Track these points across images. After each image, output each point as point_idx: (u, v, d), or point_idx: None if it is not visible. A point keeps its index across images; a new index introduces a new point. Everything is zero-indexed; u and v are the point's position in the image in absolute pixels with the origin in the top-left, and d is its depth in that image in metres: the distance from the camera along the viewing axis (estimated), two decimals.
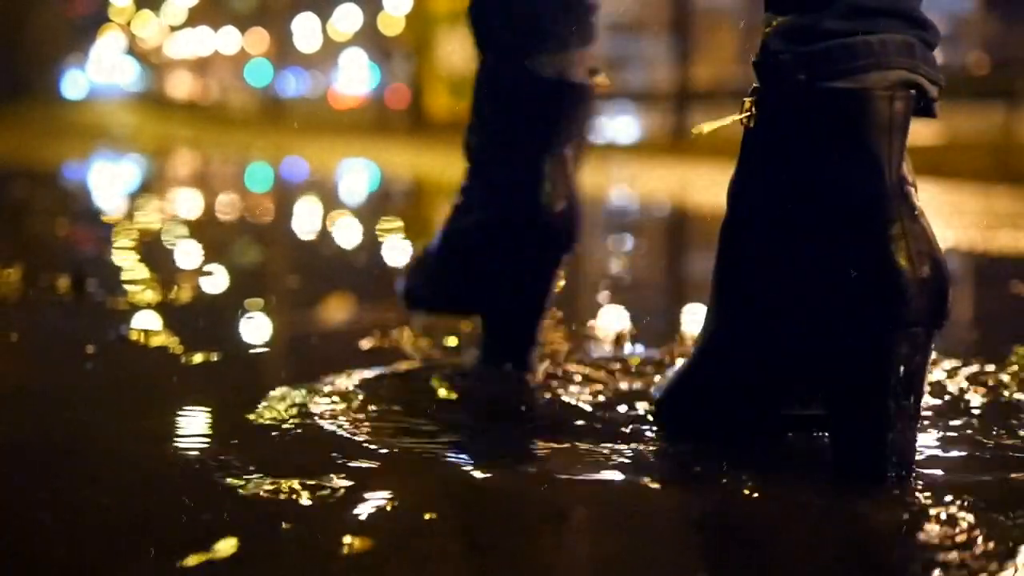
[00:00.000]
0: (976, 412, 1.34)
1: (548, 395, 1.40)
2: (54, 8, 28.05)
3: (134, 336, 1.76)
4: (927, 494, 1.05)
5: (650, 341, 1.77)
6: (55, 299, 2.13)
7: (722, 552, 0.96)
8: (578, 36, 1.48)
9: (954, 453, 1.18)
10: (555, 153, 1.47)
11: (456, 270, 1.54)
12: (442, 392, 1.44)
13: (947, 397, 1.41)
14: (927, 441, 1.21)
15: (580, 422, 1.28)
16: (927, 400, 1.33)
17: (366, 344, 1.71)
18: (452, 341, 1.73)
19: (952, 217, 4.19)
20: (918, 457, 1.11)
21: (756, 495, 1.05)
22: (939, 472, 1.11)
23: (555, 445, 1.19)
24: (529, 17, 1.47)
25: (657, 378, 1.43)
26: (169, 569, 0.88)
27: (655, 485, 1.08)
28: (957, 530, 0.96)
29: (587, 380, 1.47)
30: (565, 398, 1.38)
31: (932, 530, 0.97)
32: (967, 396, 1.42)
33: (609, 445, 1.18)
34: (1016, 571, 0.88)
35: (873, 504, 1.03)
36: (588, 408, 1.34)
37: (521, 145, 1.47)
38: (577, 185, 1.49)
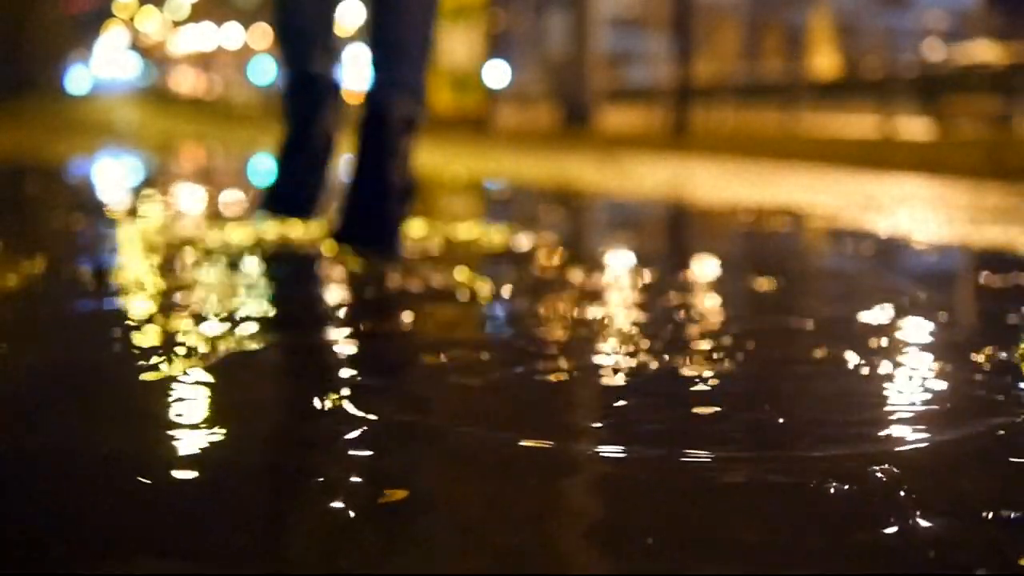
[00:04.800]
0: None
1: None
2: (57, 4, 28.10)
3: (156, 324, 1.86)
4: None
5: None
6: (79, 290, 2.22)
7: None
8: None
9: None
10: None
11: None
12: None
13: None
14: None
15: None
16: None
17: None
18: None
19: (940, 211, 4.28)
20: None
21: None
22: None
23: None
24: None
25: None
26: (196, 529, 0.98)
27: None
28: None
29: None
30: None
31: None
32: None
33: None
34: None
35: None
36: None
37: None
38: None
